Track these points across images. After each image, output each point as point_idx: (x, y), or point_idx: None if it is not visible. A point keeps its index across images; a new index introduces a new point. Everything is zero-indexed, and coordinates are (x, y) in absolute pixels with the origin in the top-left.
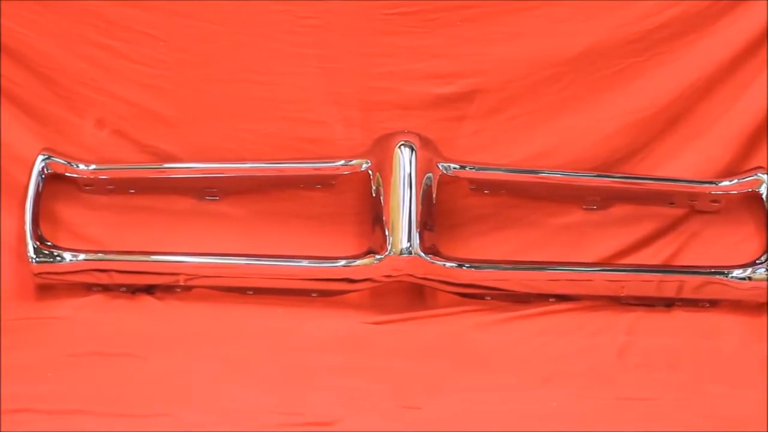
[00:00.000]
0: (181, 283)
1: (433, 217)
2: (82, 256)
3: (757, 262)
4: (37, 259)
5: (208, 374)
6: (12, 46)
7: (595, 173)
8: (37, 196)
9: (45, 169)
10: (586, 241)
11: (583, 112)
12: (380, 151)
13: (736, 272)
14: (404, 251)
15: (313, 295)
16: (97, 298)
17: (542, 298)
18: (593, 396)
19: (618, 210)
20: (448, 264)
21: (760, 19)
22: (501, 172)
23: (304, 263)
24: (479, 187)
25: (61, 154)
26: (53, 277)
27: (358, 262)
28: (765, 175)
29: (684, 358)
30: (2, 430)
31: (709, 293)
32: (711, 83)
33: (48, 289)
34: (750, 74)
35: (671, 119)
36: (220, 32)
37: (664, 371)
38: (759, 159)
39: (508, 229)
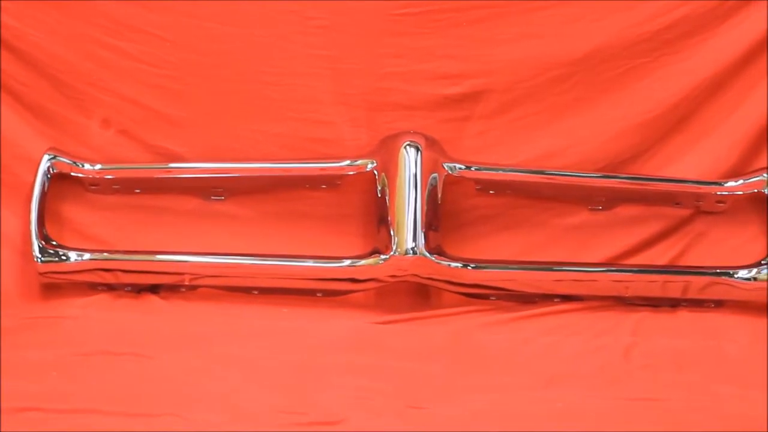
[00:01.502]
0: (186, 283)
1: (438, 217)
2: (87, 256)
3: (762, 262)
4: (43, 259)
5: (213, 374)
6: (18, 45)
7: (601, 174)
8: (43, 195)
9: (51, 169)
10: (591, 242)
11: (589, 112)
12: (386, 151)
13: (742, 273)
14: (409, 251)
15: (319, 294)
16: (102, 298)
17: (547, 298)
18: (599, 396)
19: (624, 210)
20: (453, 264)
21: (766, 20)
22: (507, 173)
23: (310, 263)
24: (485, 187)
25: (66, 154)
26: (58, 277)
27: (363, 262)
28: None
29: (689, 359)
30: (8, 429)
31: (714, 294)
32: (717, 84)
33: (53, 288)
34: (757, 75)
35: (678, 120)
36: (227, 32)
37: (669, 372)
38: (765, 160)
39: (514, 230)
